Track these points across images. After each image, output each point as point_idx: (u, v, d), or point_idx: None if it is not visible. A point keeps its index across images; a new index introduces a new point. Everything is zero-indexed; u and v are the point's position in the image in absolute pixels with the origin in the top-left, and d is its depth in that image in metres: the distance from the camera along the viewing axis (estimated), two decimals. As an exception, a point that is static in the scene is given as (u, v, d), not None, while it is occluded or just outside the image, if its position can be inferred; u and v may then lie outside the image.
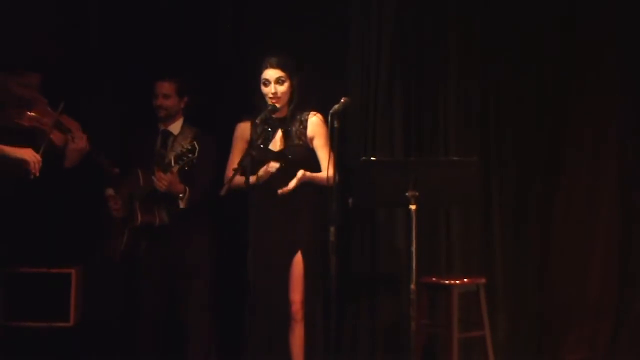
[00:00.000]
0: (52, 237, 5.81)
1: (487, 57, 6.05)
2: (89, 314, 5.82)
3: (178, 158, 5.14)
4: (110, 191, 5.48)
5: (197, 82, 5.71)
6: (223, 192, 4.95)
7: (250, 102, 5.33)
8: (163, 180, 5.22)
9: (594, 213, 5.99)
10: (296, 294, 5.18)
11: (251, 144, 5.15)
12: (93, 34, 6.05)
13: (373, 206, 5.84)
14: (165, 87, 5.53)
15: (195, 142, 5.11)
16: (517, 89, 6.04)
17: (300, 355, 5.20)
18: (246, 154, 5.04)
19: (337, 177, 5.02)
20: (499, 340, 5.84)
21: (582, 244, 6.00)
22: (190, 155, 5.09)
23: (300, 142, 5.25)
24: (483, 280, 5.57)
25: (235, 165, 5.04)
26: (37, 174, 4.83)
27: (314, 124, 5.26)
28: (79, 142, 5.14)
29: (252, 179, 4.97)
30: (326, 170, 5.09)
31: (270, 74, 5.20)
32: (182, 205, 5.34)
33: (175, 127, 5.58)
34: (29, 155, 4.83)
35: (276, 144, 5.27)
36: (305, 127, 5.26)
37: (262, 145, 5.22)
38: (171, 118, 5.57)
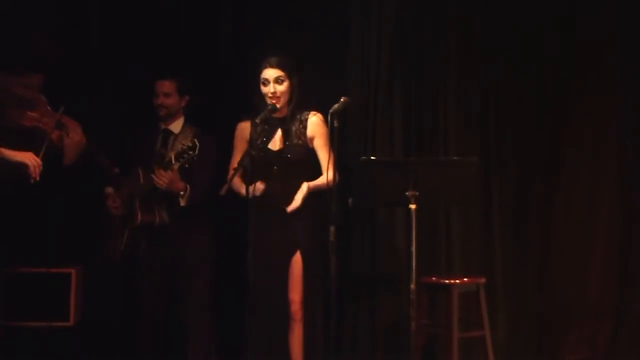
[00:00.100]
0: (52, 237, 5.81)
1: (487, 57, 6.05)
2: (89, 314, 5.82)
3: (179, 155, 5.14)
4: (109, 189, 5.48)
5: (197, 82, 5.70)
6: (223, 191, 4.95)
7: (250, 102, 5.34)
8: (163, 178, 5.22)
9: (594, 213, 5.99)
10: (295, 294, 5.18)
11: (251, 143, 5.15)
12: (93, 34, 6.06)
13: (373, 206, 5.84)
14: (166, 85, 5.53)
15: (196, 140, 5.11)
16: (517, 89, 6.04)
17: (300, 355, 5.20)
18: (246, 154, 5.05)
19: (337, 177, 5.02)
20: (499, 340, 5.84)
21: (582, 244, 6.00)
22: (191, 153, 5.09)
23: (300, 142, 5.25)
24: (483, 280, 5.57)
25: (235, 165, 5.04)
26: (38, 178, 4.83)
27: (314, 124, 5.27)
28: (74, 136, 5.13)
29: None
30: (325, 171, 5.08)
31: (270, 73, 5.21)
32: (182, 203, 5.34)
33: (176, 126, 5.58)
34: (29, 159, 4.82)
35: (276, 144, 5.27)
36: (305, 127, 5.27)
37: (261, 145, 5.22)
38: (172, 117, 5.57)
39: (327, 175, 5.03)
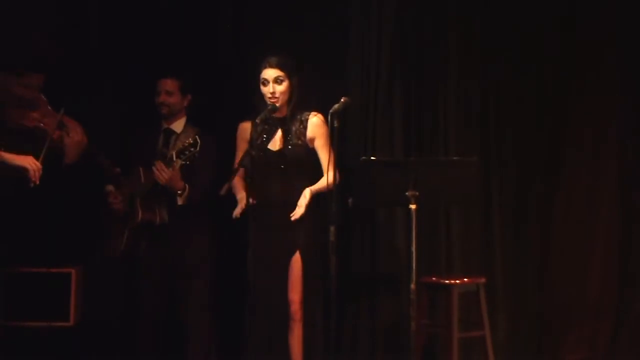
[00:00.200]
0: (52, 237, 5.81)
1: (487, 57, 6.05)
2: (89, 313, 5.82)
3: (180, 152, 5.13)
4: (110, 187, 5.48)
5: (197, 82, 5.70)
6: (223, 191, 4.95)
7: (250, 102, 5.33)
8: (164, 173, 5.21)
9: (594, 213, 5.99)
10: (295, 294, 5.18)
11: (251, 143, 5.15)
12: (93, 34, 6.06)
13: (373, 206, 5.85)
14: (169, 84, 5.53)
15: (197, 137, 5.11)
16: (517, 89, 6.04)
17: (300, 355, 5.20)
18: (246, 154, 5.05)
19: (338, 177, 5.02)
20: (499, 340, 5.84)
21: (582, 244, 6.00)
22: (192, 150, 5.09)
23: (300, 142, 5.25)
24: (483, 280, 5.57)
25: (235, 165, 5.05)
26: (37, 182, 4.83)
27: (315, 124, 5.27)
28: (75, 135, 5.13)
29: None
30: (326, 172, 5.08)
31: (269, 73, 5.21)
32: (180, 202, 5.33)
33: (178, 126, 5.58)
34: (29, 163, 4.82)
35: (276, 144, 5.27)
36: (305, 127, 5.27)
37: (261, 145, 5.22)
38: (173, 116, 5.57)
39: (327, 176, 5.02)
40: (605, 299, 5.94)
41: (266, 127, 5.25)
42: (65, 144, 5.12)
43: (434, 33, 6.07)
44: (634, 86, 5.96)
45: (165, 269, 5.46)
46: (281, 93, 5.20)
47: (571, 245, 5.99)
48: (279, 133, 5.27)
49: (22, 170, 4.81)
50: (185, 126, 5.57)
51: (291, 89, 5.24)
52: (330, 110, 4.86)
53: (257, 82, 5.25)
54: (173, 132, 5.56)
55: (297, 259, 5.19)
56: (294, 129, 5.26)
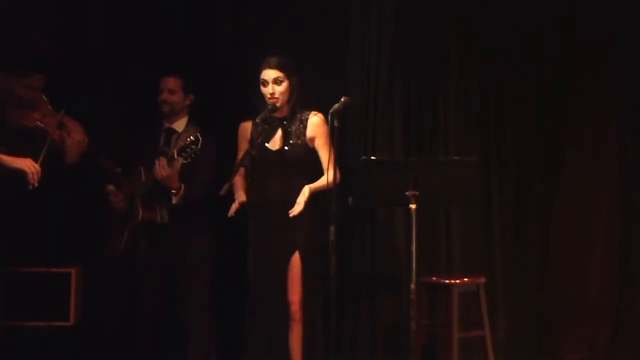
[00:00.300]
0: (52, 237, 5.81)
1: (487, 57, 6.05)
2: (89, 313, 5.82)
3: (182, 150, 5.13)
4: (110, 187, 5.47)
5: (197, 82, 5.70)
6: (223, 191, 4.95)
7: (250, 102, 5.34)
8: (163, 170, 5.20)
9: (594, 213, 5.99)
10: (294, 294, 5.17)
11: (251, 143, 5.15)
12: (93, 34, 6.06)
13: (373, 206, 5.85)
14: (171, 82, 5.53)
15: (199, 135, 5.11)
16: (517, 89, 6.04)
17: (300, 355, 5.20)
18: (246, 154, 5.06)
19: (338, 177, 5.02)
20: (499, 340, 5.84)
21: (582, 244, 6.00)
22: (193, 147, 5.09)
23: (299, 142, 5.25)
24: (483, 280, 5.57)
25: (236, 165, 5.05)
26: (36, 185, 4.82)
27: (315, 124, 5.26)
28: (76, 135, 5.13)
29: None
30: (326, 172, 5.08)
31: (269, 74, 5.21)
32: (174, 200, 5.33)
33: (180, 125, 5.58)
34: (27, 166, 4.82)
35: (275, 143, 5.27)
36: (305, 127, 5.26)
37: (261, 145, 5.22)
38: (175, 115, 5.57)
39: (327, 176, 5.02)
40: (605, 299, 5.94)
41: (266, 126, 5.25)
42: (66, 144, 5.12)
43: (434, 33, 6.07)
44: (634, 86, 5.96)
45: (166, 269, 5.46)
46: (281, 93, 5.20)
47: (571, 245, 5.99)
48: (279, 133, 5.27)
49: (21, 173, 4.81)
50: (186, 126, 5.57)
51: (291, 89, 5.23)
52: (331, 110, 4.86)
53: (257, 82, 5.25)
54: (174, 131, 5.56)
55: (296, 259, 5.19)
56: (293, 128, 5.26)
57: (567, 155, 6.02)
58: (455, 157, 5.72)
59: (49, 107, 5.15)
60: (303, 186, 5.17)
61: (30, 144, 4.96)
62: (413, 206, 4.94)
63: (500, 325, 5.92)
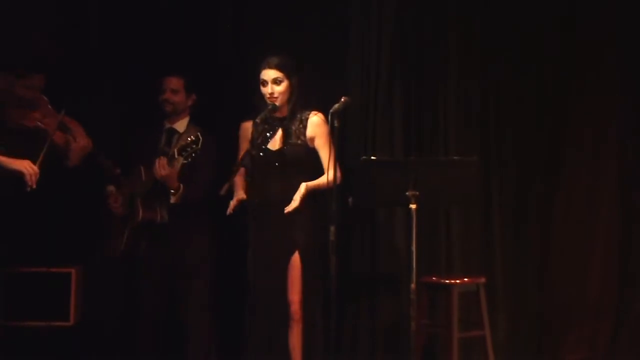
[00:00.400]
0: (52, 237, 5.81)
1: (487, 57, 6.05)
2: (89, 313, 5.82)
3: (182, 149, 5.12)
4: (111, 188, 5.47)
5: (197, 82, 5.70)
6: (223, 191, 4.95)
7: (250, 102, 5.34)
8: (163, 169, 5.20)
9: (594, 213, 5.99)
10: (294, 294, 5.17)
11: (252, 143, 5.15)
12: (93, 34, 6.05)
13: (373, 206, 5.85)
14: (174, 82, 5.53)
15: (199, 134, 5.11)
16: (517, 89, 6.04)
17: (300, 355, 5.20)
18: (246, 153, 5.06)
19: (339, 177, 5.02)
20: (499, 340, 5.84)
21: (582, 244, 6.00)
22: (194, 146, 5.08)
23: (299, 142, 5.25)
24: (483, 280, 5.57)
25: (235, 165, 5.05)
26: (34, 186, 4.82)
27: (315, 123, 5.26)
28: (81, 140, 5.14)
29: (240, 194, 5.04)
30: (327, 171, 5.08)
31: (268, 74, 5.21)
32: (173, 200, 5.31)
33: (181, 125, 5.57)
34: (25, 167, 4.81)
35: (276, 143, 5.27)
36: (305, 127, 5.26)
37: (261, 145, 5.22)
38: (177, 115, 5.57)
39: (327, 175, 5.02)
40: (605, 299, 5.94)
41: (266, 126, 5.25)
42: (70, 148, 5.13)
43: (434, 33, 6.07)
44: (634, 86, 5.96)
45: (165, 269, 5.46)
46: (280, 93, 5.20)
47: (571, 245, 5.99)
48: (279, 133, 5.27)
49: (19, 174, 4.81)
50: (187, 126, 5.57)
51: (291, 89, 5.23)
52: (331, 110, 4.86)
53: (257, 82, 5.25)
54: (175, 131, 5.56)
55: (296, 259, 5.19)
56: (294, 128, 5.26)
57: (567, 155, 6.02)
58: (455, 157, 5.72)
59: (49, 107, 5.15)
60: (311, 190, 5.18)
61: (30, 144, 4.96)
62: (413, 206, 4.94)
63: (500, 325, 5.92)
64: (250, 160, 5.07)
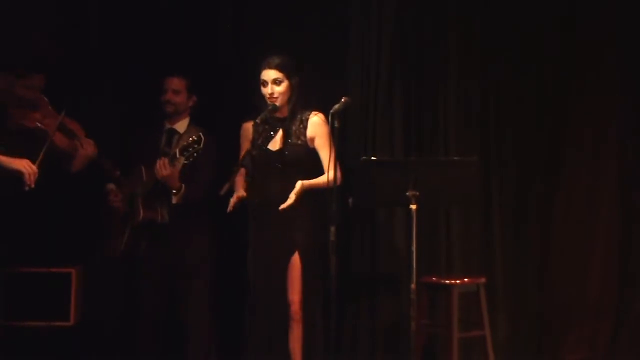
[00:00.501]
0: (52, 237, 5.81)
1: (487, 57, 6.05)
2: (89, 313, 5.82)
3: (184, 149, 5.12)
4: (111, 186, 5.47)
5: (197, 82, 5.70)
6: (223, 191, 4.95)
7: (251, 102, 5.34)
8: (164, 169, 5.20)
9: (594, 213, 5.99)
10: (294, 295, 5.17)
11: (252, 143, 5.15)
12: (93, 34, 6.05)
13: (373, 206, 5.85)
14: (176, 82, 5.53)
15: (201, 134, 5.10)
16: (517, 89, 6.04)
17: (300, 355, 5.20)
18: (246, 154, 5.06)
19: (340, 177, 5.02)
20: (499, 340, 5.84)
21: (582, 244, 6.00)
22: (195, 146, 5.08)
23: (299, 142, 5.25)
24: (483, 280, 5.57)
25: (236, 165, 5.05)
26: (33, 186, 4.83)
27: (315, 124, 5.26)
28: (88, 148, 5.16)
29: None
30: (327, 171, 5.08)
31: (268, 74, 5.21)
32: (174, 200, 5.32)
33: (181, 126, 5.57)
34: (24, 166, 4.82)
35: (276, 144, 5.27)
36: (305, 127, 5.26)
37: (262, 145, 5.22)
38: (178, 115, 5.56)
39: (328, 175, 5.02)
40: (605, 299, 5.95)
41: (267, 127, 5.25)
42: (77, 154, 5.14)
43: (434, 33, 6.07)
44: (634, 86, 5.96)
45: (165, 269, 5.46)
46: (280, 94, 5.20)
47: (571, 245, 5.99)
48: (280, 133, 5.27)
49: (17, 174, 4.81)
50: (188, 126, 5.57)
51: (291, 90, 5.23)
52: (331, 110, 4.86)
53: (257, 82, 5.25)
54: (176, 131, 5.56)
55: (295, 259, 5.19)
56: (294, 128, 5.26)
57: (567, 155, 6.02)
58: (455, 157, 5.73)
59: (50, 108, 5.16)
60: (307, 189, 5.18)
61: (30, 144, 4.96)
62: (413, 206, 4.94)
63: (500, 325, 5.92)
64: (251, 161, 5.07)
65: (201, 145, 5.07)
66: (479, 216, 6.01)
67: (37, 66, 5.21)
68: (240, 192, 5.12)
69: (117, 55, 5.97)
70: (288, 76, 5.21)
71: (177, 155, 5.16)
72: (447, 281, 5.52)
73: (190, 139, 5.12)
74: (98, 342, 5.81)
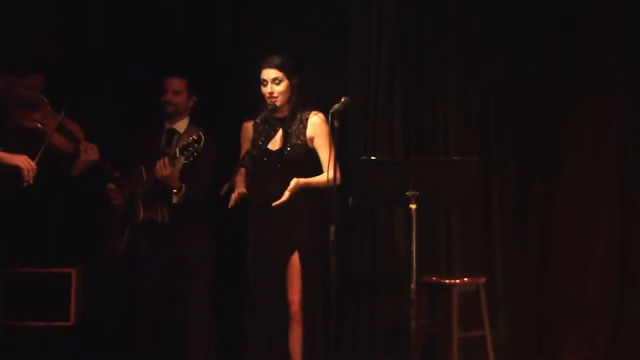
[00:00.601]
0: (52, 237, 5.81)
1: (487, 57, 6.05)
2: (89, 313, 5.82)
3: (184, 149, 5.11)
4: (111, 185, 5.47)
5: (197, 82, 5.70)
6: (223, 191, 4.95)
7: (251, 102, 5.34)
8: (164, 169, 5.20)
9: (594, 213, 5.99)
10: (294, 295, 5.17)
11: (252, 143, 5.15)
12: (93, 34, 6.05)
13: (373, 206, 5.85)
14: (176, 83, 5.52)
15: (201, 133, 5.10)
16: (517, 89, 6.04)
17: (300, 355, 5.20)
18: (246, 154, 5.06)
19: (339, 177, 5.02)
20: (499, 340, 5.84)
21: (582, 244, 6.00)
22: (196, 146, 5.07)
23: (299, 142, 5.25)
24: (483, 280, 5.57)
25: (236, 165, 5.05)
26: (31, 182, 4.83)
27: (315, 123, 5.26)
28: (92, 154, 5.17)
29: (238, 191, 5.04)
30: (326, 171, 5.08)
31: (268, 74, 5.21)
32: (175, 200, 5.32)
33: (181, 126, 5.57)
34: (23, 162, 4.82)
35: (276, 143, 5.27)
36: (305, 127, 5.26)
37: (261, 145, 5.22)
38: (178, 115, 5.56)
39: (327, 175, 5.02)
40: (605, 299, 5.94)
41: (267, 126, 5.25)
42: (80, 159, 5.16)
43: (434, 33, 6.07)
44: (634, 86, 5.96)
45: (165, 269, 5.46)
46: (280, 93, 5.20)
47: (571, 245, 5.99)
48: (280, 133, 5.27)
49: (16, 169, 4.81)
50: (188, 126, 5.57)
51: (290, 89, 5.23)
52: (331, 110, 4.86)
53: (257, 82, 5.25)
54: (176, 131, 5.56)
55: (295, 259, 5.19)
56: (294, 128, 5.26)
57: (567, 155, 6.02)
58: (455, 157, 5.73)
59: (49, 109, 5.16)
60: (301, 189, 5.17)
61: (29, 144, 4.96)
62: (413, 206, 4.94)
63: (500, 325, 5.92)
64: (251, 161, 5.07)
65: (201, 145, 5.07)
66: (479, 216, 6.01)
67: (37, 66, 5.21)
68: (242, 189, 5.12)
69: (117, 55, 5.97)
70: (288, 76, 5.21)
71: (177, 155, 5.16)
72: (447, 281, 5.52)
73: (190, 138, 5.12)
74: (98, 342, 5.81)
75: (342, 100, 4.89)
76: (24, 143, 4.97)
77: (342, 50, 6.09)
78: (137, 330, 5.54)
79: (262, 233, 5.14)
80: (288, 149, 5.24)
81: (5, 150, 4.90)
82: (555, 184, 6.04)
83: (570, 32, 6.01)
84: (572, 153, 6.02)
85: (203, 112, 5.69)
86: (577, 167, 6.02)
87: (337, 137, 4.86)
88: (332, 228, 4.77)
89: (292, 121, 5.27)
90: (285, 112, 5.26)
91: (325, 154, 5.16)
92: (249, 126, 5.32)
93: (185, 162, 5.20)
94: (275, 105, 5.19)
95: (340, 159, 4.98)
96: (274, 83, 5.20)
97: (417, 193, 4.94)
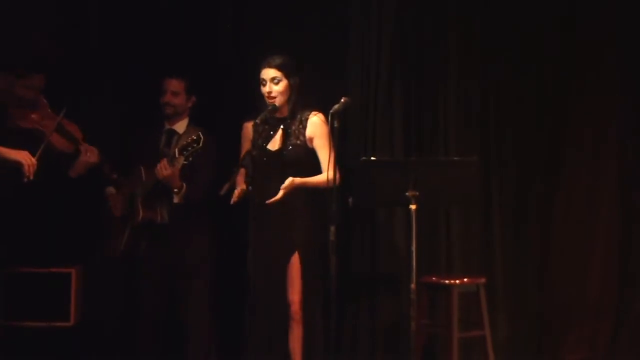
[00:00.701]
0: (52, 237, 5.81)
1: (487, 57, 6.05)
2: (89, 313, 5.82)
3: (183, 149, 5.12)
4: (110, 189, 5.48)
5: (197, 82, 5.70)
6: (223, 191, 4.95)
7: (251, 102, 5.34)
8: (164, 170, 5.20)
9: (594, 213, 5.99)
10: (294, 295, 5.17)
11: (252, 143, 5.15)
12: (93, 34, 6.06)
13: (373, 206, 5.85)
14: (174, 84, 5.52)
15: (200, 133, 5.10)
16: (517, 89, 6.04)
17: (300, 355, 5.20)
18: (246, 154, 5.06)
19: (338, 177, 5.02)
20: (499, 340, 5.84)
21: (582, 244, 6.00)
22: (195, 146, 5.08)
23: (299, 142, 5.25)
24: (483, 280, 5.57)
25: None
26: (31, 177, 4.83)
27: (314, 124, 5.26)
28: (92, 156, 5.18)
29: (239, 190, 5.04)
30: (326, 171, 5.08)
31: (267, 73, 5.21)
32: (176, 200, 5.32)
33: (181, 127, 5.57)
34: (23, 157, 4.83)
35: (275, 144, 5.27)
36: (304, 127, 5.26)
37: (261, 145, 5.22)
38: (177, 116, 5.57)
39: (326, 175, 5.02)
40: (605, 299, 5.94)
41: (267, 127, 5.25)
42: (80, 160, 5.16)
43: (434, 33, 6.07)
44: (634, 86, 5.96)
45: (165, 269, 5.46)
46: (279, 93, 5.20)
47: (571, 245, 5.99)
48: (279, 133, 5.27)
49: (17, 164, 4.82)
50: (187, 127, 5.57)
51: (290, 89, 5.23)
52: (331, 111, 4.86)
53: (257, 82, 5.25)
54: (175, 132, 5.56)
55: (295, 259, 5.19)
56: (293, 128, 5.26)
57: (567, 155, 6.02)
58: (455, 157, 5.73)
59: (49, 109, 5.16)
60: (300, 188, 5.17)
61: (29, 144, 4.96)
62: (413, 206, 4.94)
63: (500, 325, 5.92)
64: (251, 161, 5.07)
65: (200, 145, 5.07)
66: (479, 216, 6.01)
67: (37, 66, 5.22)
68: (243, 185, 5.12)
69: (117, 55, 5.97)
70: (287, 76, 5.21)
71: (177, 155, 5.16)
72: (447, 281, 5.52)
73: (190, 138, 5.13)
74: (98, 342, 5.82)
75: (342, 100, 4.89)
76: (23, 143, 4.97)
77: (342, 50, 6.09)
78: (137, 330, 5.54)
79: (262, 233, 5.14)
80: (288, 149, 5.24)
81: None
82: (555, 184, 6.04)
83: (570, 32, 6.01)
84: (572, 153, 6.02)
85: (203, 112, 5.69)
86: (577, 167, 6.02)
87: (337, 138, 4.86)
88: (332, 228, 4.77)
89: (292, 121, 5.27)
90: (285, 112, 5.26)
91: (324, 154, 5.16)
92: (249, 126, 5.32)
93: (185, 162, 5.20)
94: (275, 105, 5.19)
95: (340, 159, 4.98)
96: (272, 83, 5.20)
97: (417, 193, 4.94)
